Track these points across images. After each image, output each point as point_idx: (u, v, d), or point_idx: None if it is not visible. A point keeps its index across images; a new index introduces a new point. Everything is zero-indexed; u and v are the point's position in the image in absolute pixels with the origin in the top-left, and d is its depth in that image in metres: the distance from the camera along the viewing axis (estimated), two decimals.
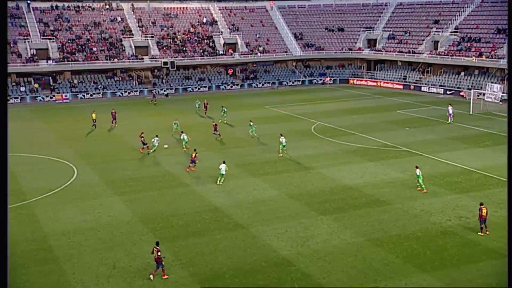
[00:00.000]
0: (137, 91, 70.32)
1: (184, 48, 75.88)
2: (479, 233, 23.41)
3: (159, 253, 20.10)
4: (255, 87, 75.29)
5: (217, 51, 76.50)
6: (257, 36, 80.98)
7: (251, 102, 62.73)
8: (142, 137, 39.31)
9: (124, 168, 35.21)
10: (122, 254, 22.29)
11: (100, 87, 69.29)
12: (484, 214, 23.34)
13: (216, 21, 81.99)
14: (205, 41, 78.13)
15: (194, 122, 50.18)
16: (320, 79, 77.69)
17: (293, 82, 77.16)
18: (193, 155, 34.12)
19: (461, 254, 21.59)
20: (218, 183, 31.07)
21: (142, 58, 72.96)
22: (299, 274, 20.26)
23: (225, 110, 50.53)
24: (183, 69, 75.44)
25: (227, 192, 30.00)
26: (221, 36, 78.71)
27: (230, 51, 77.18)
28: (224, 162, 31.62)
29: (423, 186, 29.33)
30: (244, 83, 75.61)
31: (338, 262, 21.08)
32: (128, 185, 31.60)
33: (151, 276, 20.06)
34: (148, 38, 75.36)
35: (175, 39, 77.08)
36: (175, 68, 73.46)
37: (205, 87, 73.33)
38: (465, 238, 22.97)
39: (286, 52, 79.16)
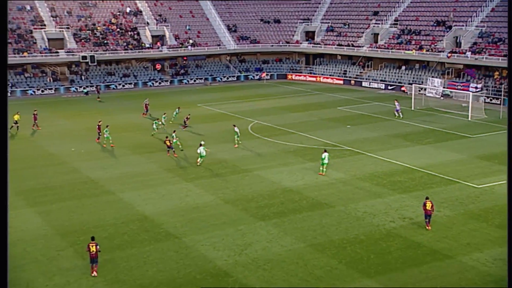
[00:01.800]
0: (52, 88, 67.88)
1: (105, 41, 74.10)
2: (427, 228, 24.85)
3: (97, 247, 20.95)
4: (186, 83, 74.80)
5: (142, 44, 75.34)
6: (187, 28, 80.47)
7: (182, 100, 62.22)
8: (99, 126, 41.74)
9: (38, 176, 33.91)
10: (36, 272, 21.45)
11: (8, 85, 66.29)
12: (428, 208, 24.72)
13: (141, 11, 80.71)
14: (129, 33, 76.72)
15: (131, 122, 49.05)
16: (257, 75, 78.36)
17: (227, 78, 77.31)
18: (168, 142, 37.52)
19: (405, 256, 22.48)
20: (198, 163, 35.26)
21: (57, 52, 70.53)
22: (237, 285, 20.33)
23: (178, 111, 49.37)
24: (105, 64, 73.67)
25: (157, 199, 29.61)
26: (147, 27, 77.60)
27: (158, 44, 76.25)
28: (201, 145, 35.43)
29: (324, 170, 33.03)
30: (174, 79, 74.93)
31: (279, 271, 21.34)
32: (44, 195, 30.47)
33: (95, 273, 20.87)
34: (64, 29, 72.95)
35: (95, 31, 75.13)
36: (95, 63, 71.57)
37: (130, 84, 71.96)
38: (409, 240, 23.94)
39: (219, 45, 79.22)
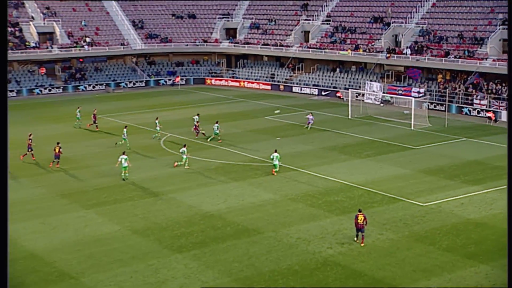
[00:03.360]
0: None
1: None
2: (355, 240, 26.68)
3: None
4: (83, 90, 73.37)
5: (27, 44, 73.35)
6: (83, 23, 79.16)
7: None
8: (30, 139, 41.72)
9: None
10: None
11: None
12: (360, 221, 26.30)
13: (23, 3, 78.69)
14: (9, 29, 74.24)
15: (19, 139, 47.16)
16: (169, 79, 78.06)
17: (134, 84, 76.55)
18: (57, 149, 38.96)
19: None
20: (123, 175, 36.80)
21: None
22: None
23: (198, 117, 49.58)
24: None
25: (47, 231, 28.73)
26: (31, 23, 75.86)
27: (46, 43, 74.37)
28: (124, 153, 37.15)
29: (277, 170, 37.23)
30: (68, 85, 73.32)
31: None
32: None
33: None
34: None
35: None
36: None
37: (11, 91, 69.54)
38: (349, 269, 24.53)
39: (123, 44, 78.34)
